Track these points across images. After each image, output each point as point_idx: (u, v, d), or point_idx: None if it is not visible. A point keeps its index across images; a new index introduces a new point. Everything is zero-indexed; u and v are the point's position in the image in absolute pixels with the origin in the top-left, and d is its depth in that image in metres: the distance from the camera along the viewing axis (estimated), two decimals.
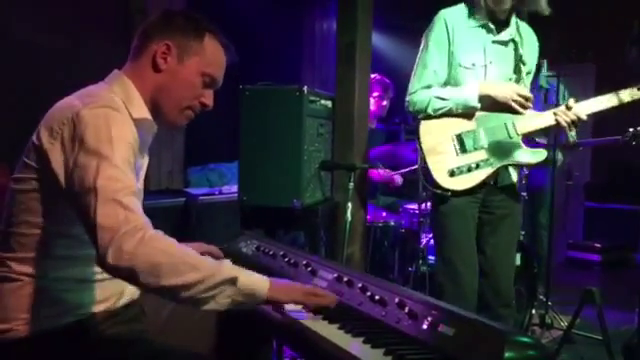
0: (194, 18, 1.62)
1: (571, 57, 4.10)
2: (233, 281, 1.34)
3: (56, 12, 3.90)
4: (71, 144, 1.39)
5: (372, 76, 4.31)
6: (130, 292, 1.64)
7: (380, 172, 4.05)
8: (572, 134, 2.58)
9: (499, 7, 2.49)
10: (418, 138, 2.56)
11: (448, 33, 2.52)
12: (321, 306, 1.45)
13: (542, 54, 2.78)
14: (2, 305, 1.47)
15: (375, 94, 4.29)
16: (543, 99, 3.87)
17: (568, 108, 2.45)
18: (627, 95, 2.48)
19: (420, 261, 3.64)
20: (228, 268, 1.37)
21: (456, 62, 2.54)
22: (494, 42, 2.56)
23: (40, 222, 1.47)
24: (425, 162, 2.53)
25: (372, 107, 4.26)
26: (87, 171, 1.34)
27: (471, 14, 2.55)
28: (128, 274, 1.28)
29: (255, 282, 1.38)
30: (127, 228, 1.28)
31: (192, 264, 1.31)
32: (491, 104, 2.50)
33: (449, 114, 2.52)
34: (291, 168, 2.74)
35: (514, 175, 2.64)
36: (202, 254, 1.95)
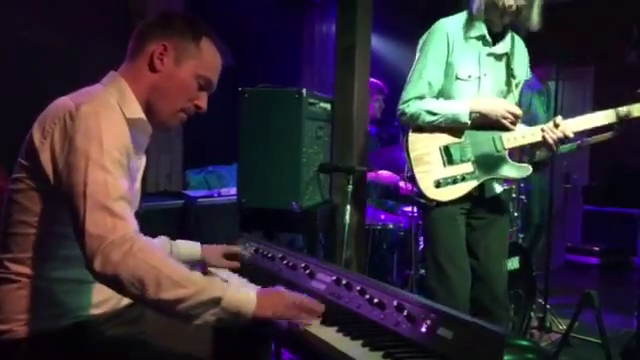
0: (192, 21, 1.62)
1: (570, 60, 4.10)
2: (217, 301, 1.33)
3: (55, 13, 3.89)
4: (61, 143, 1.40)
5: (374, 80, 4.31)
6: None
7: (389, 174, 4.05)
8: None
9: (500, 20, 2.51)
10: (406, 148, 2.59)
11: (448, 44, 2.53)
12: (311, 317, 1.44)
13: (541, 58, 2.79)
14: (1, 306, 1.47)
15: (378, 97, 4.29)
16: None
17: (555, 125, 2.48)
18: (612, 116, 2.49)
19: (419, 264, 3.63)
20: (213, 286, 1.35)
21: (453, 73, 2.55)
22: (489, 54, 2.58)
23: (36, 222, 1.47)
24: (412, 172, 2.56)
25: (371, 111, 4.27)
26: (76, 173, 1.35)
27: (469, 25, 2.55)
28: (113, 283, 1.29)
29: (241, 302, 1.36)
30: (114, 237, 1.28)
31: (177, 281, 1.30)
32: (481, 120, 2.53)
33: (439, 127, 2.55)
34: (290, 170, 2.74)
35: (499, 187, 2.69)
36: (225, 256, 1.94)
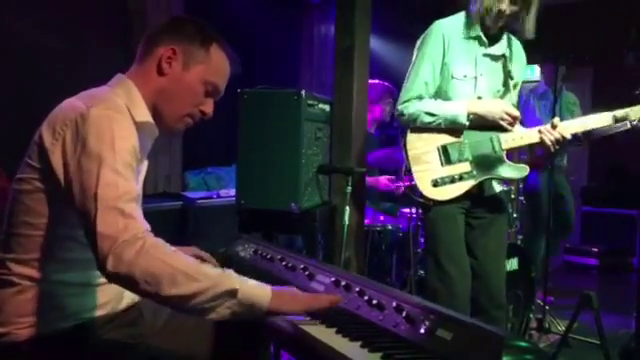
0: (202, 27, 1.63)
1: (568, 61, 4.10)
2: (233, 293, 1.32)
3: (54, 13, 3.89)
4: (73, 145, 1.39)
5: (385, 84, 4.30)
6: (130, 295, 1.64)
7: (385, 181, 4.05)
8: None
9: (495, 24, 2.52)
10: (404, 146, 2.61)
11: (444, 44, 2.55)
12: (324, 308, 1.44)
13: (537, 60, 2.80)
14: (1, 309, 1.47)
15: (389, 101, 4.28)
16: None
17: (553, 127, 2.50)
18: (610, 118, 2.52)
19: (418, 265, 3.64)
20: (229, 279, 1.34)
21: (449, 73, 2.57)
22: (485, 55, 2.60)
23: (40, 223, 1.46)
24: (410, 171, 2.56)
25: (380, 114, 4.26)
26: (88, 175, 1.34)
27: (465, 25, 2.57)
28: (127, 282, 1.28)
29: (256, 294, 1.35)
30: (127, 236, 1.28)
31: (191, 275, 1.29)
32: (479, 120, 2.54)
33: (437, 127, 2.56)
34: (289, 172, 2.74)
35: (497, 187, 2.69)
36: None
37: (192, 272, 1.30)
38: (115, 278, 1.29)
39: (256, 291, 1.36)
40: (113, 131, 1.39)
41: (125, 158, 1.38)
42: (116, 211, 1.30)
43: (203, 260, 1.99)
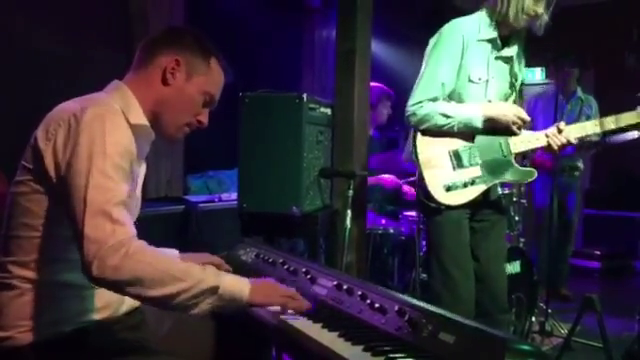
0: (201, 38, 1.66)
1: (570, 63, 4.10)
2: (214, 290, 1.40)
3: (55, 17, 3.90)
4: (64, 146, 1.41)
5: (382, 86, 4.30)
6: (131, 299, 1.64)
7: (391, 179, 4.04)
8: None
9: (524, 24, 2.49)
10: (415, 149, 2.56)
11: (463, 46, 2.50)
12: (299, 311, 1.51)
13: (540, 61, 2.82)
14: (2, 312, 1.47)
15: (387, 103, 4.27)
16: None
17: (559, 131, 2.49)
18: (611, 123, 2.56)
19: (420, 268, 3.63)
20: (210, 276, 1.42)
21: (465, 75, 2.52)
22: (497, 58, 2.57)
23: (38, 225, 1.47)
24: (422, 175, 2.54)
25: (379, 117, 4.25)
26: (78, 176, 1.36)
27: (483, 27, 2.53)
28: (112, 286, 1.33)
29: (235, 289, 1.44)
30: (113, 242, 1.30)
31: (175, 275, 1.35)
32: (489, 124, 2.52)
33: (447, 131, 2.53)
34: (290, 175, 2.74)
35: (500, 189, 2.71)
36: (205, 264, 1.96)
37: (176, 272, 1.36)
38: (100, 282, 1.32)
39: (235, 285, 1.44)
40: (105, 133, 1.40)
41: (116, 160, 1.40)
42: (104, 215, 1.32)
43: (215, 266, 2.00)
